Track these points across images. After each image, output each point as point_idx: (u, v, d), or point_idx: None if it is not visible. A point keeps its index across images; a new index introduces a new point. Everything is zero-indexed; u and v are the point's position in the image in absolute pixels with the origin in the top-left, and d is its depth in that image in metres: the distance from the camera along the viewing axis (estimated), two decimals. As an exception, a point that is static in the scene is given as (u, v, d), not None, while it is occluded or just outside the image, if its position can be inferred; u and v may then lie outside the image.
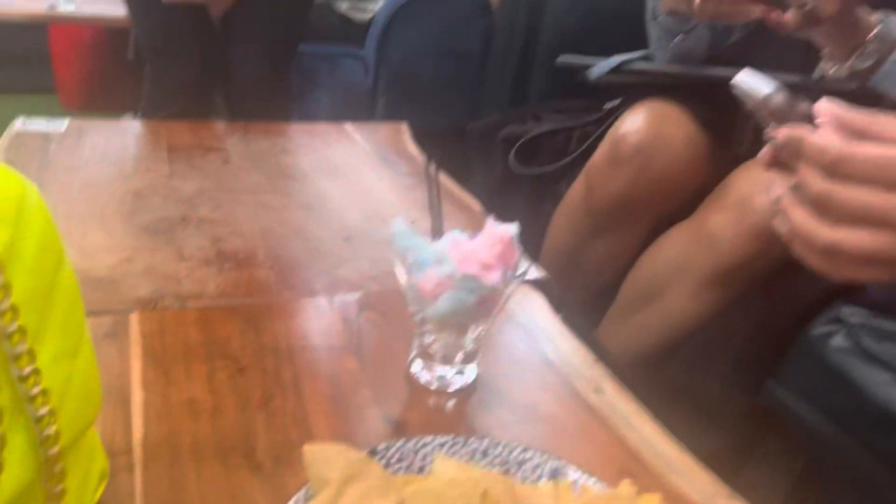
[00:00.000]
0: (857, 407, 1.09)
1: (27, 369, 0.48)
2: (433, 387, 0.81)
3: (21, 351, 0.47)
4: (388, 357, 0.86)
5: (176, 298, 0.93)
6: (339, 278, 1.04)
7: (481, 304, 0.76)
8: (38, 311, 0.49)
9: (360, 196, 1.35)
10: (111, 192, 1.23)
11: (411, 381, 0.82)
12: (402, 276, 0.78)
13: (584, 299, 1.46)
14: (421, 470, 0.63)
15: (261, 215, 1.21)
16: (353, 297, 0.98)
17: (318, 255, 1.10)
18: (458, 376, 0.82)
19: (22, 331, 0.47)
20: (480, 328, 0.80)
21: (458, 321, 0.78)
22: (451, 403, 0.80)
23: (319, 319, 0.92)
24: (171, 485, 0.63)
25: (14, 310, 0.47)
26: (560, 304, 1.03)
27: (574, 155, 1.47)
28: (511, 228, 0.77)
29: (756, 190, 1.20)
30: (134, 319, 0.86)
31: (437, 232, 0.80)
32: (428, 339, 0.81)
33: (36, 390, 0.48)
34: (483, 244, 0.76)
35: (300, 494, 0.56)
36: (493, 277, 0.74)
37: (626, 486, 0.55)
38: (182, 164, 1.39)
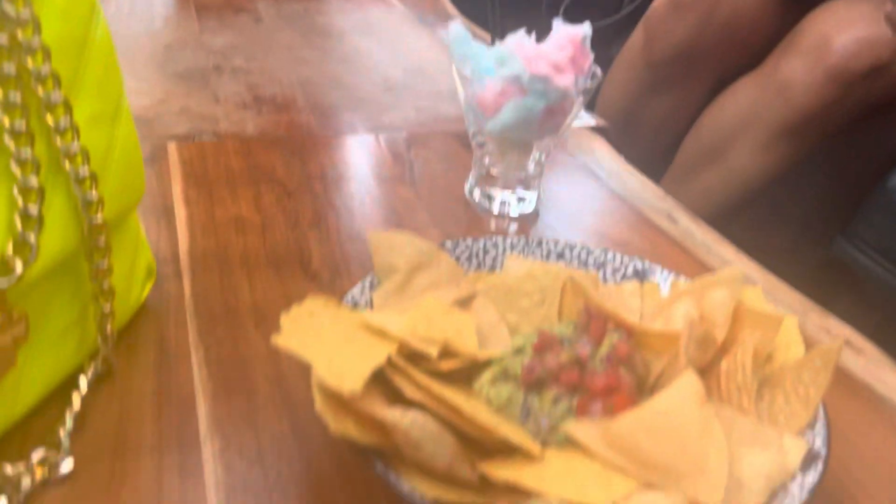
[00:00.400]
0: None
1: (64, 121, 0.42)
2: (494, 213, 0.75)
3: (57, 100, 0.42)
4: (444, 187, 0.80)
5: (214, 136, 0.87)
6: (383, 123, 0.97)
7: (549, 116, 0.69)
8: (72, 60, 0.44)
9: (400, 52, 1.26)
10: (140, 45, 1.16)
11: (470, 208, 0.76)
12: (460, 89, 0.71)
13: (642, 163, 1.37)
14: (492, 270, 0.57)
15: (297, 67, 1.14)
16: (401, 134, 0.92)
17: (360, 102, 1.03)
18: (519, 203, 0.76)
19: (55, 77, 0.42)
20: (545, 148, 0.74)
21: (522, 136, 0.71)
22: (512, 227, 0.74)
23: (367, 153, 0.86)
24: (223, 289, 0.59)
25: (45, 50, 0.41)
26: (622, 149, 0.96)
27: (629, 9, 1.36)
28: (584, 28, 0.68)
29: (836, 30, 1.09)
30: (172, 148, 0.81)
31: (497, 34, 0.72)
32: (488, 161, 0.75)
33: (75, 147, 0.43)
34: (553, 45, 0.68)
35: (366, 281, 0.50)
36: (566, 80, 0.67)
37: (732, 272, 0.49)
38: (212, 21, 1.31)
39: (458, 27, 0.70)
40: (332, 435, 0.35)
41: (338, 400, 0.36)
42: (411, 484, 0.37)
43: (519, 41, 0.68)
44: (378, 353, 0.41)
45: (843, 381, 0.57)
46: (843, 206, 1.16)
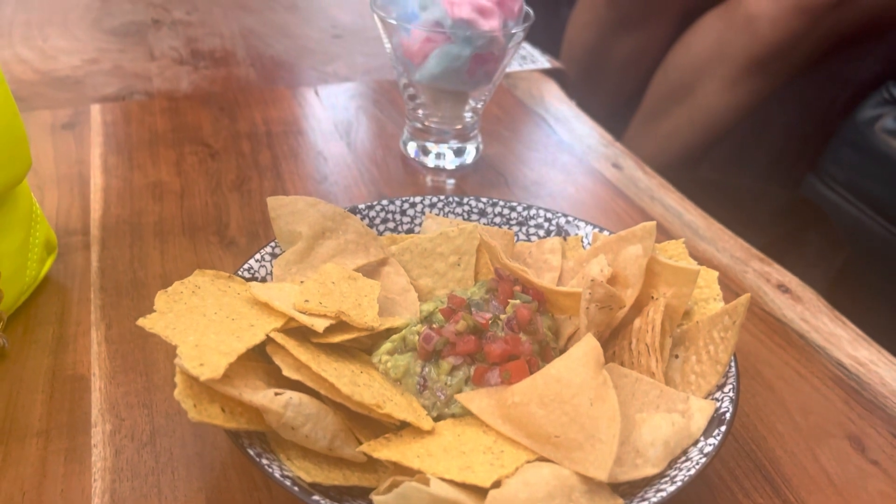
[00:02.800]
0: (904, 193, 0.98)
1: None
2: (430, 166, 0.72)
3: None
4: (382, 141, 0.77)
5: (145, 95, 0.83)
6: (328, 74, 0.93)
7: (479, 63, 0.65)
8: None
9: (353, -4, 1.21)
10: (75, 1, 1.11)
11: (406, 162, 0.73)
12: (385, 38, 0.68)
13: (608, 106, 1.33)
14: (409, 232, 0.55)
15: (241, 17, 1.09)
16: (342, 86, 0.88)
17: (306, 52, 0.99)
18: (456, 156, 0.73)
19: None
20: (481, 98, 0.70)
21: (453, 85, 0.67)
22: (449, 182, 0.71)
23: (303, 108, 0.83)
24: (132, 260, 0.56)
25: None
26: (574, 94, 0.92)
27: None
28: (510, -33, 0.64)
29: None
30: (95, 110, 0.77)
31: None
32: (422, 113, 0.71)
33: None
34: (478, -13, 0.64)
35: (265, 250, 0.48)
36: (492, 24, 0.63)
37: (646, 226, 0.46)
38: (155, -29, 1.26)
39: (379, -30, 0.66)
40: (192, 421, 0.33)
41: (203, 384, 0.34)
42: (291, 467, 0.35)
43: (442, -17, 0.64)
44: (258, 332, 0.39)
45: (778, 330, 0.55)
46: (812, 143, 1.12)
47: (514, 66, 0.94)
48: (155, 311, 0.38)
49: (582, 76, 1.31)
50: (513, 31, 0.65)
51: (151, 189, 0.65)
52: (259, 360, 0.39)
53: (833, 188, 1.07)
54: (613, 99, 1.33)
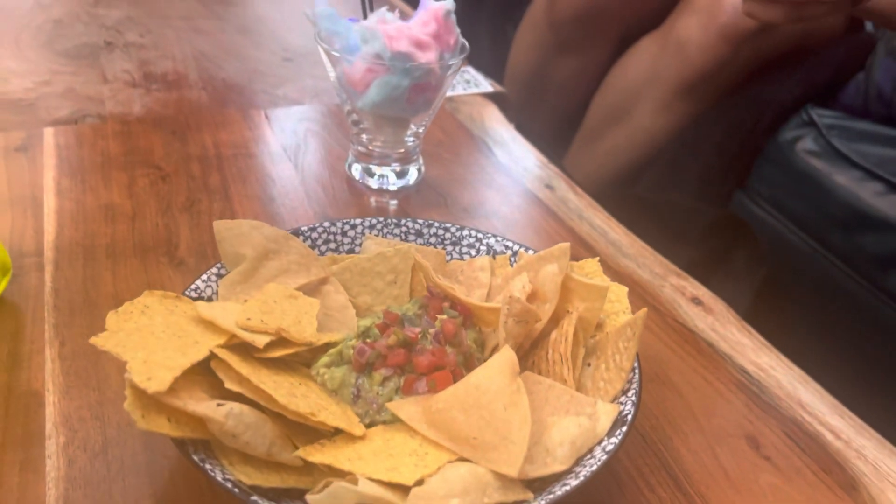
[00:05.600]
0: (820, 209, 1.06)
1: None
2: (374, 187, 0.76)
3: None
4: (328, 163, 0.80)
5: (98, 118, 0.86)
6: (278, 97, 0.96)
7: (418, 92, 0.70)
8: None
9: (303, 19, 1.24)
10: (27, 21, 1.12)
11: (351, 184, 0.77)
12: (329, 68, 0.72)
13: (551, 127, 1.39)
14: (350, 252, 0.59)
15: (194, 39, 1.12)
16: (291, 109, 0.92)
17: (257, 74, 1.02)
18: (398, 178, 0.77)
19: None
20: (422, 123, 0.75)
21: (394, 113, 0.72)
22: (392, 203, 0.75)
23: (252, 130, 0.86)
24: (85, 280, 0.59)
25: None
26: (514, 117, 0.97)
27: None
28: (447, 4, 0.69)
29: (726, -10, 1.11)
30: (48, 133, 0.80)
31: (366, 10, 0.72)
32: (365, 138, 0.75)
33: None
34: (416, 22, 0.68)
35: (211, 271, 0.51)
36: (428, 56, 0.68)
37: (561, 246, 0.51)
38: (107, -8, 1.27)
39: (323, 4, 0.70)
40: (140, 430, 0.37)
41: (151, 397, 0.38)
42: (233, 472, 0.39)
43: (381, 18, 0.69)
44: (202, 348, 0.42)
45: (690, 339, 0.60)
46: (739, 161, 1.19)
47: (457, 90, 0.99)
48: (106, 329, 0.42)
49: (525, 97, 1.37)
50: (449, 63, 0.69)
51: (104, 211, 0.68)
52: (204, 374, 0.43)
53: (759, 205, 1.14)
54: (556, 119, 1.39)
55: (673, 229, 1.16)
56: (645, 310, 0.45)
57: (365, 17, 0.71)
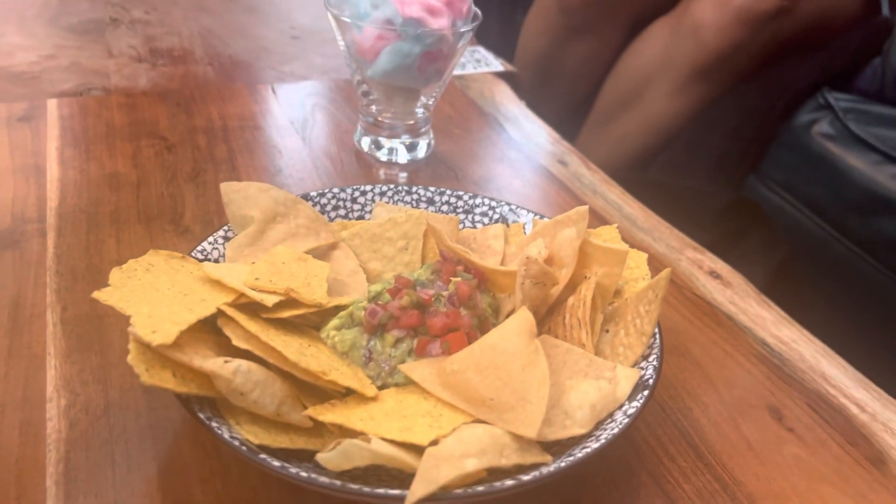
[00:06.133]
0: (836, 193, 1.04)
1: None
2: (383, 160, 0.75)
3: None
4: (336, 137, 0.79)
5: (103, 91, 0.84)
6: (285, 73, 0.95)
7: (429, 61, 0.68)
8: None
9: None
10: (33, -2, 1.11)
11: (359, 157, 0.76)
12: (338, 36, 0.70)
13: (562, 112, 1.37)
14: (360, 219, 0.57)
15: (200, 17, 1.10)
16: (298, 84, 0.90)
17: (264, 52, 1.01)
18: (408, 151, 0.75)
19: None
20: (432, 94, 0.73)
21: (404, 82, 0.70)
22: (401, 176, 0.74)
23: (260, 104, 0.84)
24: (88, 247, 0.57)
25: None
26: (528, 99, 0.95)
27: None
28: (459, -30, 0.67)
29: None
30: (52, 104, 0.78)
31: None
32: (375, 109, 0.74)
33: None
34: (428, -12, 0.67)
35: (218, 234, 0.50)
36: (441, 23, 0.66)
37: (579, 210, 0.49)
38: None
39: (333, -30, 0.68)
40: (144, 385, 0.35)
41: (156, 351, 0.36)
42: (240, 431, 0.37)
43: (394, -17, 0.67)
44: (209, 305, 0.40)
45: (708, 312, 0.58)
46: (753, 146, 1.17)
47: (468, 69, 0.98)
48: (109, 285, 0.40)
49: (536, 82, 1.35)
50: (461, 30, 0.68)
51: (108, 180, 0.66)
52: (210, 332, 0.41)
53: (773, 189, 1.13)
54: (566, 104, 1.37)
55: (686, 212, 1.14)
56: (669, 269, 0.43)
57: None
